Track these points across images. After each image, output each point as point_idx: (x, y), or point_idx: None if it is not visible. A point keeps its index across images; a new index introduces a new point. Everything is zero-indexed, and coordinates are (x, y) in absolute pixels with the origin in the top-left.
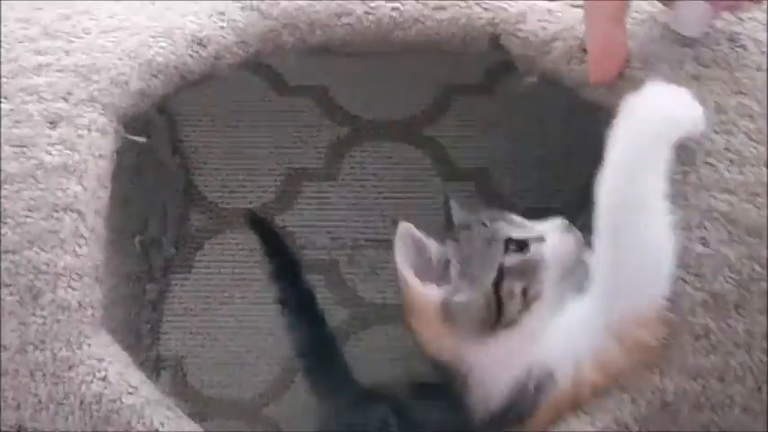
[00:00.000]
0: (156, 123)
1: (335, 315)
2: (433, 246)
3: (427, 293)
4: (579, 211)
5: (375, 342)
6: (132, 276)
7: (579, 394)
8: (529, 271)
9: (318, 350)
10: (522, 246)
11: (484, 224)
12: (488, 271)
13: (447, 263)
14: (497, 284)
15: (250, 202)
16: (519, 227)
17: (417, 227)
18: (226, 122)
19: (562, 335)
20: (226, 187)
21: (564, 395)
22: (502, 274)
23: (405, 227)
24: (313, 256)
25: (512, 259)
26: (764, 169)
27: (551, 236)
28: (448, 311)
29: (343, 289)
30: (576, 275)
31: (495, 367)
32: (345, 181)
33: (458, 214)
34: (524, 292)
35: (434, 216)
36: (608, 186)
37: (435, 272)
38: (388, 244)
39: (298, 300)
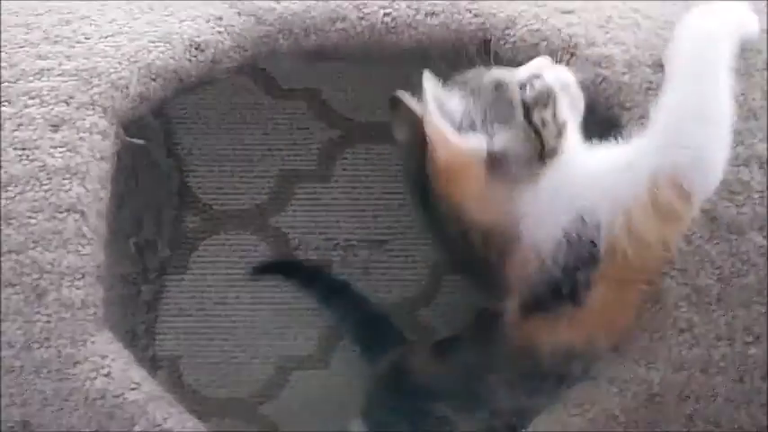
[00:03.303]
0: (151, 126)
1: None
2: (454, 101)
3: (472, 147)
4: None
5: None
6: (127, 277)
7: (615, 265)
8: (547, 99)
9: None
10: (532, 80)
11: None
12: (514, 109)
13: (469, 116)
14: (528, 119)
15: (244, 204)
16: (512, 71)
17: (409, 226)
18: (219, 125)
19: (605, 179)
20: (220, 189)
21: (605, 266)
22: (528, 109)
23: (431, 82)
24: (306, 257)
25: (530, 93)
26: (743, 168)
27: (546, 71)
28: (494, 159)
29: None
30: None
31: (546, 215)
32: (338, 182)
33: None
34: (554, 115)
35: None
36: (690, 32)
37: (462, 126)
38: (380, 244)
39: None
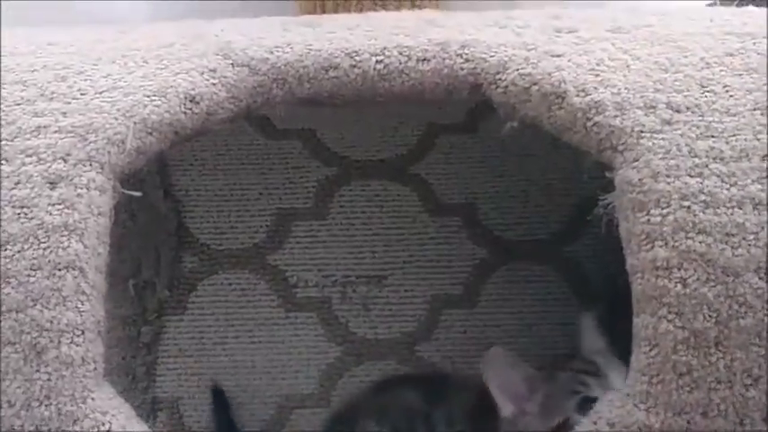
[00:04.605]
0: (147, 169)
1: (328, 352)
2: (523, 367)
3: (501, 406)
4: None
5: (369, 378)
6: (127, 319)
7: None
8: None
9: None
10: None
11: (573, 370)
12: (555, 416)
13: (536, 386)
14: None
15: (242, 243)
16: (602, 386)
17: (407, 261)
18: (216, 165)
19: None
20: (217, 229)
21: None
22: (564, 427)
23: (495, 350)
24: (305, 294)
25: (577, 419)
26: (737, 210)
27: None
28: (508, 426)
29: (336, 326)
30: None
31: None
32: (335, 219)
33: (590, 338)
34: None
35: (421, 250)
36: None
37: (521, 388)
38: (378, 280)
39: None
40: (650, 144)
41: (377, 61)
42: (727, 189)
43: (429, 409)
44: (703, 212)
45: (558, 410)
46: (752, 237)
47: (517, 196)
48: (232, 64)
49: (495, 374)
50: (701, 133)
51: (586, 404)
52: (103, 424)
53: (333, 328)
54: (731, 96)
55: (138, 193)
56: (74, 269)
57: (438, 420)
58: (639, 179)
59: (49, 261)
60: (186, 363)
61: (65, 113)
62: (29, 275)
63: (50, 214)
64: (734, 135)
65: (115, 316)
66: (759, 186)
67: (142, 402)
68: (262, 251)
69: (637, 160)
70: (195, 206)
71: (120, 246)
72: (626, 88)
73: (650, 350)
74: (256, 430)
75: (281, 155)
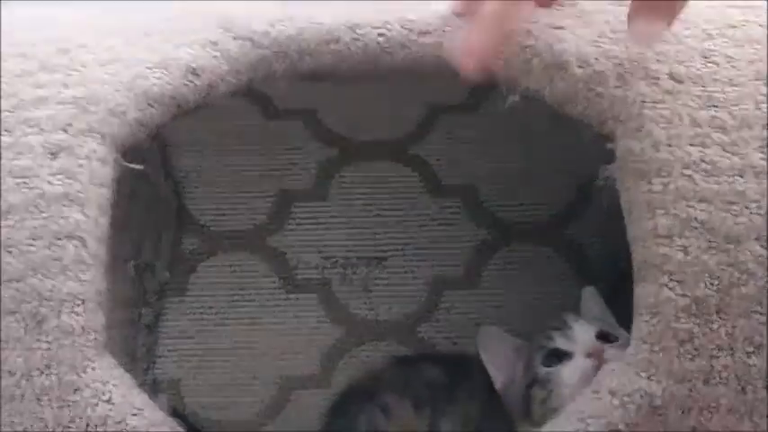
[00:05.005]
0: (147, 149)
1: (329, 333)
2: (512, 340)
3: (495, 379)
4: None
5: (370, 358)
6: (127, 301)
7: None
8: (550, 383)
9: None
10: (560, 356)
11: (546, 333)
12: (529, 374)
13: (521, 353)
14: (530, 386)
15: (242, 225)
16: (565, 337)
17: (408, 242)
18: (216, 146)
19: None
20: (218, 210)
21: None
22: (534, 379)
23: (485, 329)
24: (305, 276)
25: (542, 370)
26: (738, 178)
27: (577, 356)
28: (502, 396)
29: (337, 307)
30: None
31: None
32: (336, 200)
33: (591, 308)
34: (544, 400)
35: (422, 231)
36: None
37: (511, 360)
38: (379, 261)
39: None
40: (652, 114)
41: (378, 34)
42: (729, 158)
43: (452, 385)
44: (705, 181)
45: (533, 367)
46: (753, 205)
47: (518, 177)
48: (234, 37)
49: (489, 351)
50: (702, 103)
51: (551, 356)
52: (104, 393)
53: (333, 309)
54: (733, 67)
55: (139, 166)
56: (74, 239)
57: (461, 395)
58: (641, 148)
59: (50, 231)
60: (187, 344)
61: (66, 85)
62: (29, 245)
63: (51, 184)
64: (736, 105)
65: (116, 297)
66: (760, 155)
67: (143, 384)
68: (262, 232)
69: (639, 130)
70: (195, 187)
71: (121, 227)
72: (628, 60)
73: (651, 318)
74: (257, 411)
75: (281, 136)
